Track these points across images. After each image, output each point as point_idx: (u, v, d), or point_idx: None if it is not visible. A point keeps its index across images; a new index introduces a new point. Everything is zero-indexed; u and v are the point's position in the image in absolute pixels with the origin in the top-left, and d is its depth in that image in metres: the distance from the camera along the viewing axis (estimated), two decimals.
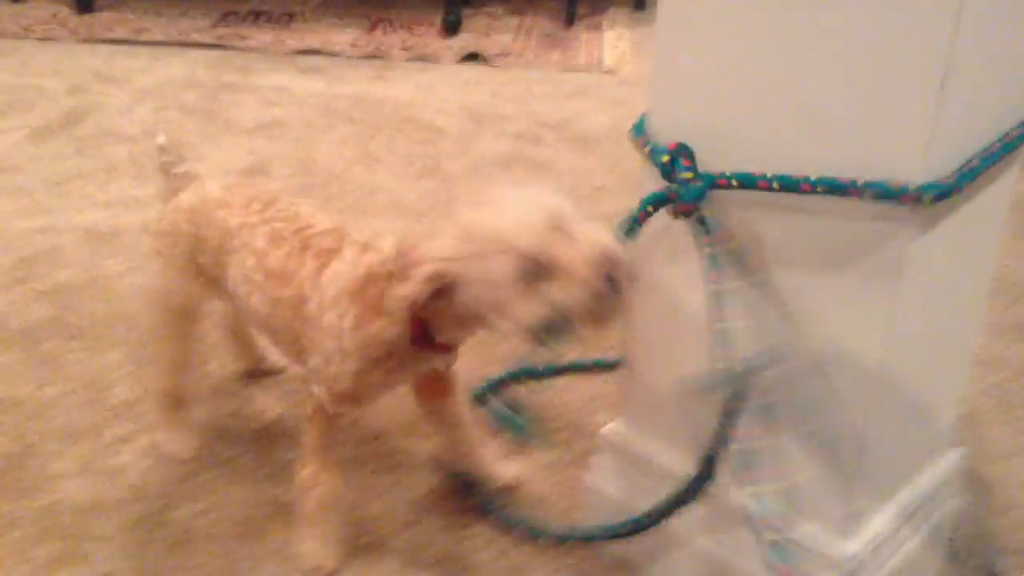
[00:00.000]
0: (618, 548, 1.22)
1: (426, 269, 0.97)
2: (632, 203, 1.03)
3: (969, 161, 0.88)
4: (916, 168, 0.84)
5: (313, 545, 1.20)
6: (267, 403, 1.50)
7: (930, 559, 1.17)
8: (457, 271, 0.97)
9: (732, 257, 0.99)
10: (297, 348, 1.16)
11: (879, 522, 1.05)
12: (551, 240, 0.93)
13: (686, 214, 0.97)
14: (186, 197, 1.26)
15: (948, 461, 1.16)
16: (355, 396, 1.13)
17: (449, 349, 1.13)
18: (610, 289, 0.93)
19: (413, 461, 1.39)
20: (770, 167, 0.92)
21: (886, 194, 0.85)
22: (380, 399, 1.20)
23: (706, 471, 1.02)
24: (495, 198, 0.99)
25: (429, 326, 1.06)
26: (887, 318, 0.91)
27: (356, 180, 2.30)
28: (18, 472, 1.33)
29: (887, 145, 0.85)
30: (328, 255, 1.12)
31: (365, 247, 1.10)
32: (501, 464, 1.33)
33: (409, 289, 0.98)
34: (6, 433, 1.40)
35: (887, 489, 1.06)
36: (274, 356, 1.54)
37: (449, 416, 1.27)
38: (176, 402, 1.38)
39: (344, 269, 1.09)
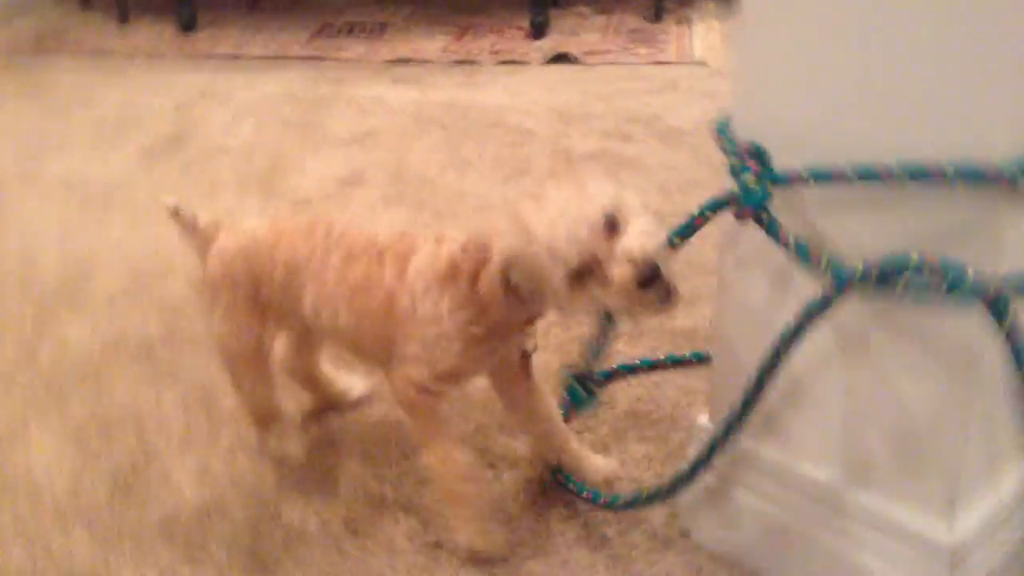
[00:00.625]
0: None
1: (496, 260, 1.06)
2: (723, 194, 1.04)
3: None
4: (1009, 148, 0.82)
5: (471, 529, 1.22)
6: (363, 410, 1.55)
7: None
8: (515, 265, 1.05)
9: (805, 259, 1.00)
10: (387, 355, 1.21)
11: (986, 508, 1.02)
12: (597, 243, 1.00)
13: (754, 218, 0.99)
14: (229, 240, 1.31)
15: None
16: (456, 374, 1.18)
17: (532, 321, 1.18)
18: (649, 292, 1.00)
19: (511, 456, 1.42)
20: (852, 161, 0.91)
21: (978, 177, 0.83)
22: (476, 376, 1.26)
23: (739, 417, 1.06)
24: (553, 195, 1.03)
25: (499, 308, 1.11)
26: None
27: (447, 185, 2.35)
28: (145, 479, 1.42)
29: (977, 126, 0.84)
30: (405, 258, 1.18)
31: (438, 240, 1.17)
32: (598, 458, 1.35)
33: (491, 274, 1.07)
34: (130, 444, 1.49)
35: (994, 472, 1.04)
36: (343, 383, 1.55)
37: (534, 409, 1.29)
38: (271, 416, 1.43)
39: (426, 261, 1.15)
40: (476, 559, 1.22)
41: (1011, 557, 1.07)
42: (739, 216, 0.99)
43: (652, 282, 0.99)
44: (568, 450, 1.32)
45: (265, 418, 1.42)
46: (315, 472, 1.42)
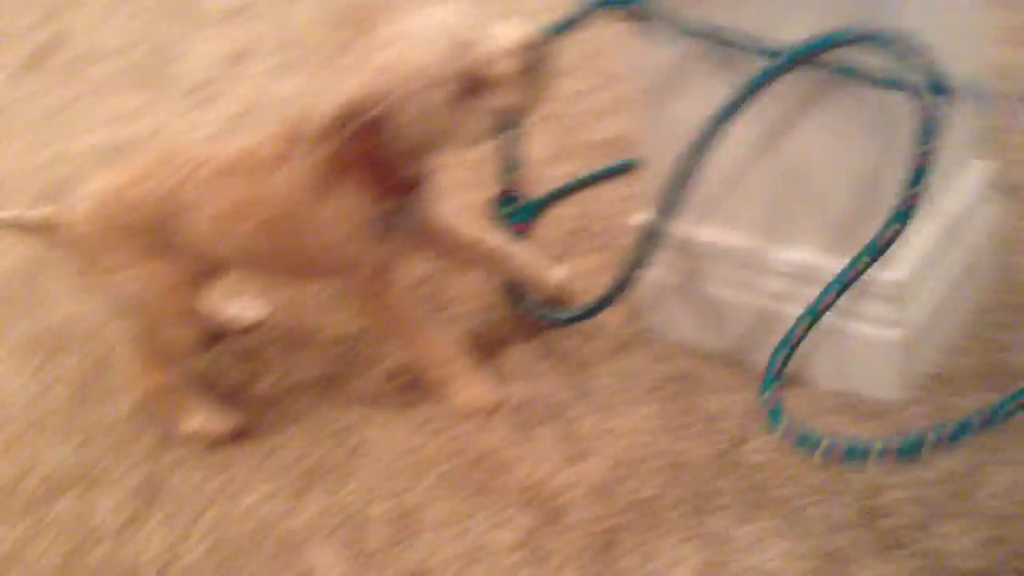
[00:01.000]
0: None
1: (326, 111, 0.99)
2: None
3: None
4: None
5: (467, 393, 1.23)
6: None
7: (974, 276, 1.19)
8: (383, 109, 0.99)
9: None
10: (301, 267, 1.22)
11: (921, 243, 1.07)
12: (469, 55, 0.97)
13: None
14: (87, 203, 1.19)
15: (976, 172, 1.18)
16: (384, 262, 1.17)
17: (413, 186, 1.14)
18: (537, 75, 0.99)
19: (464, 295, 1.44)
20: None
21: None
22: (405, 256, 1.23)
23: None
24: (397, 30, 1.00)
25: (383, 172, 1.09)
26: None
27: (341, 43, 2.26)
28: (103, 379, 1.41)
29: None
30: (280, 159, 1.11)
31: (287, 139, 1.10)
32: (549, 268, 1.35)
33: (314, 133, 1.00)
34: (81, 349, 1.48)
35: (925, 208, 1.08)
36: (230, 311, 1.45)
37: (473, 247, 1.28)
38: (192, 382, 1.31)
39: (295, 170, 1.09)
40: (481, 413, 1.22)
41: (955, 285, 1.13)
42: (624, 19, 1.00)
43: (535, 66, 0.99)
44: (518, 267, 1.31)
45: (184, 383, 1.29)
46: (278, 343, 1.42)
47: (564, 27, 1.13)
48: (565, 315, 1.30)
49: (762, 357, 1.10)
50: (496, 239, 1.31)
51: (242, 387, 1.36)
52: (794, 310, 1.06)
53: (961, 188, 1.14)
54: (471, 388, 1.23)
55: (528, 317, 1.35)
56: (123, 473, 1.25)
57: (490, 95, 0.99)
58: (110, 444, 1.30)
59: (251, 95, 2.12)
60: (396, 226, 1.14)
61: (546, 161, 1.68)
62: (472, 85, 0.98)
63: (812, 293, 1.03)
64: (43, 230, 1.23)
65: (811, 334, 1.05)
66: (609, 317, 1.32)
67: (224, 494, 1.19)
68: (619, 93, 1.82)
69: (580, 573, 1.00)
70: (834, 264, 1.02)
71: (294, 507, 1.15)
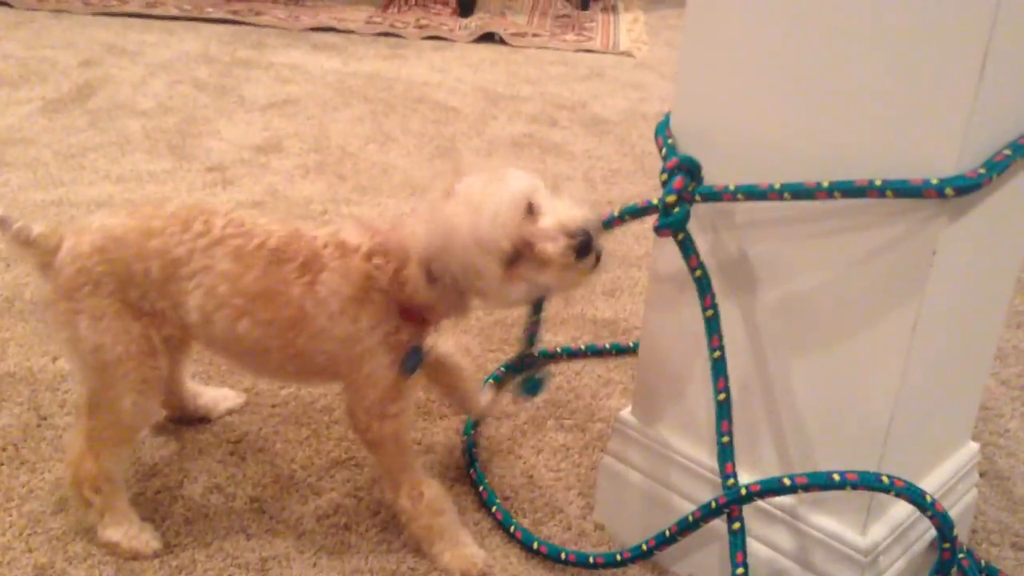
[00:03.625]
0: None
1: (415, 261, 1.05)
2: (645, 187, 1.03)
3: (999, 152, 0.87)
4: (945, 161, 0.83)
5: (454, 554, 1.18)
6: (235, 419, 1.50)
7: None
8: (439, 264, 1.03)
9: (740, 277, 1.00)
10: (295, 369, 1.16)
11: (897, 514, 1.04)
12: (523, 227, 0.99)
13: (672, 236, 0.99)
14: (83, 240, 1.11)
15: (967, 454, 1.16)
16: (399, 386, 1.14)
17: (435, 322, 1.15)
18: (581, 258, 1.00)
19: (426, 440, 1.39)
20: (788, 176, 0.92)
21: (908, 191, 0.84)
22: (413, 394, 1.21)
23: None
24: (468, 188, 1.01)
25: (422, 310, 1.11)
26: (914, 316, 0.90)
27: (370, 158, 2.29)
28: (35, 443, 1.33)
29: (915, 141, 0.84)
30: (309, 267, 1.09)
31: (342, 249, 1.10)
32: (479, 393, 1.39)
33: (415, 275, 1.05)
34: (22, 404, 1.40)
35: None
36: (208, 397, 1.41)
37: (447, 364, 1.32)
38: (117, 483, 1.20)
39: (338, 278, 1.09)
40: None
41: (919, 558, 1.09)
42: (657, 230, 0.99)
43: (587, 250, 0.99)
44: (462, 382, 1.34)
45: (117, 477, 1.20)
46: (221, 448, 1.36)
47: (613, 221, 1.12)
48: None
49: None
50: (452, 349, 1.33)
51: (176, 486, 1.28)
52: None
53: (945, 467, 1.12)
54: (461, 550, 1.18)
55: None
56: (20, 554, 1.16)
57: (536, 269, 1.00)
58: (18, 517, 1.21)
59: (268, 188, 2.12)
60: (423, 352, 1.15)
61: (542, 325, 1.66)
62: (521, 255, 1.00)
63: None
64: (39, 249, 1.14)
65: None
66: (567, 504, 1.27)
67: None
68: (624, 276, 1.82)
69: None
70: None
71: None
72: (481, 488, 1.29)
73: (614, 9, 3.68)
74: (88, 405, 1.16)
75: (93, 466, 1.16)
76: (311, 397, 1.44)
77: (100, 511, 1.18)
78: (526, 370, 1.31)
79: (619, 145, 2.44)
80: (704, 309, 1.01)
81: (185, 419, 1.40)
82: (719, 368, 1.01)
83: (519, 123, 2.55)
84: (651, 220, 1.02)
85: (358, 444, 1.32)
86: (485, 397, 1.41)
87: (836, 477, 0.94)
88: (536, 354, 1.31)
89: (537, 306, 1.27)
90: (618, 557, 1.13)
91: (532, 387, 1.31)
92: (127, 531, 1.18)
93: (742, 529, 1.01)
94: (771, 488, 0.98)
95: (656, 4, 3.80)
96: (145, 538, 1.18)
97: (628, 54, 3.17)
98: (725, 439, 1.02)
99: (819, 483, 0.95)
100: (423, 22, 3.33)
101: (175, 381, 1.35)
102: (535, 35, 3.27)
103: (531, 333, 1.28)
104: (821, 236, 0.94)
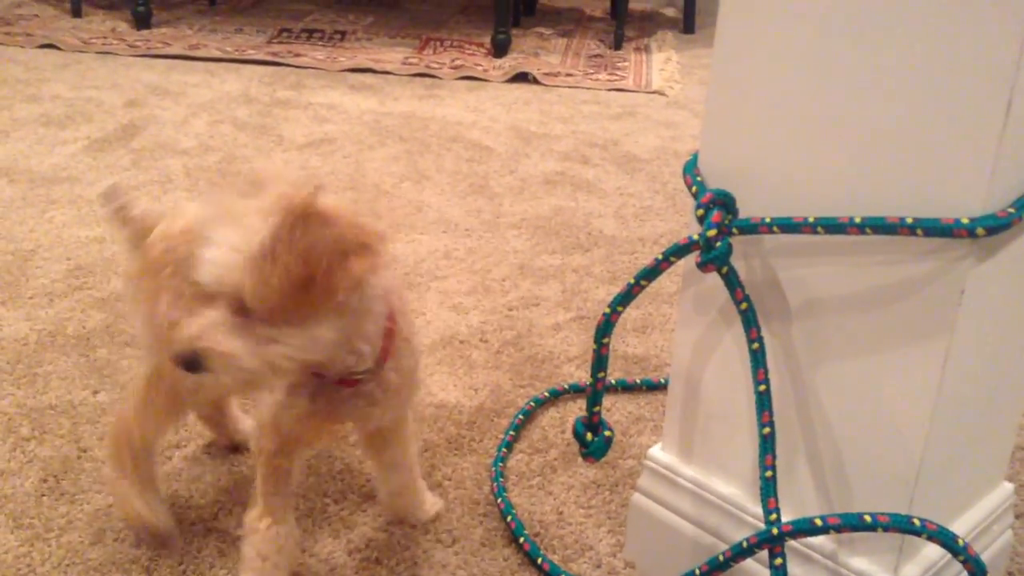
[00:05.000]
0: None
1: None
2: (676, 224, 1.04)
3: None
4: (974, 200, 0.84)
5: None
6: None
7: None
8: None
9: (769, 308, 1.01)
10: None
11: (930, 555, 1.03)
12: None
13: (716, 271, 1.00)
14: (174, 224, 1.14)
15: (1001, 495, 1.15)
16: (291, 435, 1.08)
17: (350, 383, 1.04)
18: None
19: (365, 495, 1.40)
20: (819, 210, 0.93)
21: (938, 231, 0.85)
22: (319, 441, 1.18)
23: None
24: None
25: None
26: (943, 355, 0.90)
27: (404, 196, 2.32)
28: (75, 475, 1.36)
29: (944, 179, 0.85)
30: None
31: None
32: (428, 500, 1.32)
33: None
34: (63, 436, 1.43)
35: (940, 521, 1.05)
36: (244, 426, 1.42)
37: (392, 464, 1.24)
38: (154, 457, 1.25)
39: None
40: None
41: None
42: (701, 266, 1.00)
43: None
44: (405, 494, 1.27)
45: (185, 406, 1.24)
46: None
47: (651, 274, 1.08)
48: None
49: None
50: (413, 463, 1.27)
51: (211, 517, 1.30)
52: None
53: (979, 508, 1.11)
54: None
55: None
56: None
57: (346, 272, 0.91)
58: (57, 547, 1.24)
59: None
60: (331, 402, 1.07)
61: (573, 359, 1.68)
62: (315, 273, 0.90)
63: None
64: (136, 227, 1.17)
65: None
66: (598, 541, 1.27)
67: None
68: (655, 312, 1.83)
69: None
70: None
71: None
72: (509, 519, 1.30)
73: (647, 49, 3.71)
74: (150, 376, 1.18)
75: (138, 433, 1.19)
76: (344, 431, 1.46)
77: (131, 480, 1.20)
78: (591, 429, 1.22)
79: (651, 183, 2.45)
80: (750, 342, 1.01)
81: (223, 443, 1.43)
82: (764, 402, 1.01)
83: (551, 161, 2.58)
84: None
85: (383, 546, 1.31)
86: (435, 507, 1.32)
87: (868, 518, 0.94)
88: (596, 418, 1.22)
89: (597, 364, 1.19)
90: None
91: (598, 448, 1.22)
92: (149, 502, 1.21)
93: (784, 565, 1.00)
94: (803, 528, 0.98)
95: (689, 44, 3.83)
96: (164, 514, 1.21)
97: (660, 93, 3.20)
98: (768, 474, 1.01)
99: (851, 524, 0.95)
100: (458, 62, 3.38)
101: (223, 401, 1.38)
102: (568, 75, 3.31)
103: (594, 392, 1.18)
104: (851, 268, 0.94)
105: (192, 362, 0.91)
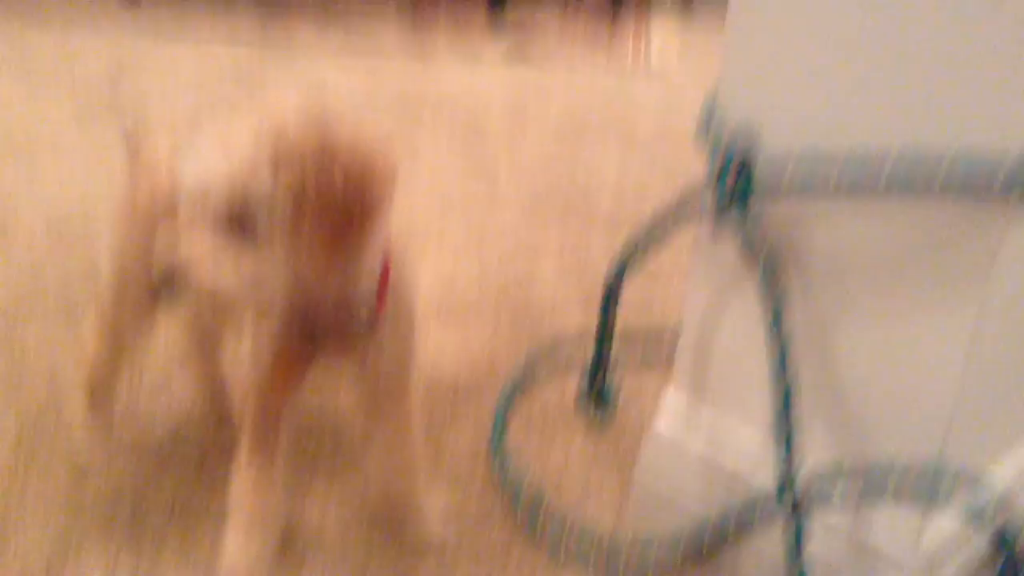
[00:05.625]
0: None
1: None
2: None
3: None
4: (1011, 147, 0.80)
5: (235, 551, 1.03)
6: None
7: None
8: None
9: (796, 244, 0.97)
10: None
11: (949, 523, 1.00)
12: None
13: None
14: (162, 147, 1.15)
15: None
16: (280, 365, 1.02)
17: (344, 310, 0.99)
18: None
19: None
20: (847, 142, 0.88)
21: (973, 182, 0.81)
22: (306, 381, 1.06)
23: None
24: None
25: None
26: (974, 316, 0.86)
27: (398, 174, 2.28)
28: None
29: (980, 123, 0.81)
30: None
31: None
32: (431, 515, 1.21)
33: None
34: None
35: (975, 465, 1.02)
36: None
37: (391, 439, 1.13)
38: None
39: None
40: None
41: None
42: (717, 216, 0.96)
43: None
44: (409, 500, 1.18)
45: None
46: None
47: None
48: None
49: None
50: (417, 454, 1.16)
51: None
52: None
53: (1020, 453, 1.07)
54: (242, 550, 1.04)
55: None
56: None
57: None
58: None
59: None
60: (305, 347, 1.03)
61: (572, 337, 1.64)
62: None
63: None
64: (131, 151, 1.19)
65: None
66: None
67: None
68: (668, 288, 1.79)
69: None
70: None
71: None
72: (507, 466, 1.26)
73: (645, 25, 3.68)
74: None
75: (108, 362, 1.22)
76: (337, 373, 1.35)
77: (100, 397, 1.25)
78: (596, 380, 1.17)
79: (649, 161, 2.42)
80: (769, 295, 0.96)
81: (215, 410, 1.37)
82: (783, 352, 0.96)
83: (548, 140, 2.54)
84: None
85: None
86: (434, 523, 1.20)
87: None
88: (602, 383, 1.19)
89: (605, 307, 1.14)
90: None
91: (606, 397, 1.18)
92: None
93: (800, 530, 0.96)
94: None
95: (686, 24, 3.80)
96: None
97: (659, 73, 3.17)
98: (785, 426, 0.98)
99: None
100: (453, 40, 3.34)
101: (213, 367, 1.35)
102: (565, 51, 3.28)
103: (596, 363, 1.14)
104: (877, 227, 0.90)
105: (172, 281, 0.87)
